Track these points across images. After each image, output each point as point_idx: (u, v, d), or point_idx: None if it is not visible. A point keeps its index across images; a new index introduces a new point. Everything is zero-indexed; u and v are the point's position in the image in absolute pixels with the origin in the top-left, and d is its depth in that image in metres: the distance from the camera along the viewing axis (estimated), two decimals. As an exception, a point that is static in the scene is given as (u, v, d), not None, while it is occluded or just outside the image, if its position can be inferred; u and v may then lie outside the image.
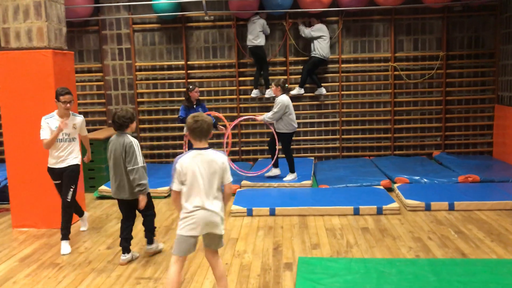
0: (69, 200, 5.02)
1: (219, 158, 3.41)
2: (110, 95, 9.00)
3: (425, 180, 7.06)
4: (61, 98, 4.92)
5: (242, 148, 9.04)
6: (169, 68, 8.98)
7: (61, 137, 5.00)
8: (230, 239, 5.21)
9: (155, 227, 4.82)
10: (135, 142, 4.38)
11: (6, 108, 5.63)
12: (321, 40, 8.37)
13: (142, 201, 4.43)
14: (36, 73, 5.51)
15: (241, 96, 8.94)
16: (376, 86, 8.91)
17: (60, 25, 5.85)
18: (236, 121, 7.76)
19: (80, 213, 5.59)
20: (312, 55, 8.46)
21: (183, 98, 7.45)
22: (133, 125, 4.47)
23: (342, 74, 8.86)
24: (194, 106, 7.22)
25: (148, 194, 4.55)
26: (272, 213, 5.97)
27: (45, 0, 5.49)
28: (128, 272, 4.41)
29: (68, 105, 4.94)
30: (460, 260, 4.42)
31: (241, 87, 8.93)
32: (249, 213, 5.99)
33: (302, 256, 4.60)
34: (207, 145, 3.44)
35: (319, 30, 8.36)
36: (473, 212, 5.87)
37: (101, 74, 9.01)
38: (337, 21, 8.75)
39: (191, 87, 7.17)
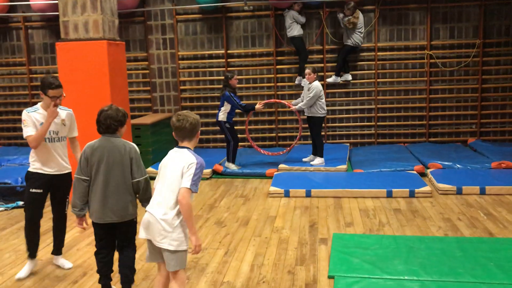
0: (66, 213, 4.26)
1: (187, 160, 2.99)
2: (154, 82, 9.51)
3: (458, 165, 7.24)
4: (50, 92, 3.96)
5: (279, 134, 9.40)
6: (210, 57, 9.41)
7: (48, 136, 4.03)
8: (269, 217, 5.60)
9: (135, 270, 3.63)
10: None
11: (66, 95, 6.15)
12: (357, 31, 8.60)
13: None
14: (92, 62, 6.01)
15: (278, 84, 9.29)
16: (412, 74, 9.07)
17: (113, 17, 6.33)
18: (268, 101, 8.31)
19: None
20: (346, 43, 8.70)
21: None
22: (123, 128, 3.47)
23: (378, 62, 9.06)
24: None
25: (134, 220, 3.55)
26: (308, 194, 6.32)
27: (100, -5, 5.97)
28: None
29: (58, 100, 4.04)
30: (487, 238, 4.66)
31: (278, 75, 9.27)
32: (286, 194, 6.36)
33: (336, 233, 4.94)
34: (188, 146, 3.09)
35: (360, 23, 8.57)
36: (504, 196, 6.05)
37: (146, 63, 9.52)
38: (374, 9, 8.93)
39: (229, 75, 7.51)
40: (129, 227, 3.52)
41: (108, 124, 3.37)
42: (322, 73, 9.00)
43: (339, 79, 8.97)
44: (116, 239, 3.54)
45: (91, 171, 3.37)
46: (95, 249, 3.63)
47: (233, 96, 7.34)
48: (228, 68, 9.30)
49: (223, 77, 7.86)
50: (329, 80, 8.92)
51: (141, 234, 3.11)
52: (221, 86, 7.77)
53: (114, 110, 3.42)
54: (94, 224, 3.48)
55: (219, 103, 7.60)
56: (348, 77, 9.00)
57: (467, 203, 5.84)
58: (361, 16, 8.61)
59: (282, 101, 8.31)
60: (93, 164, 3.35)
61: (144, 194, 3.40)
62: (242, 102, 7.63)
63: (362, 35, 8.66)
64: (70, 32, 6.09)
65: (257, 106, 7.53)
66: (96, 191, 3.37)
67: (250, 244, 4.77)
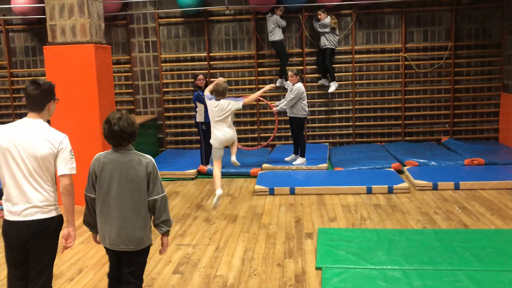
0: None
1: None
2: (137, 85, 9.62)
3: (433, 163, 7.59)
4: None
5: (261, 135, 9.61)
6: (192, 59, 9.57)
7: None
8: (255, 214, 5.81)
9: None
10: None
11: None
12: (331, 33, 8.90)
13: (167, 245, 3.15)
14: (79, 65, 6.11)
15: (259, 86, 9.49)
16: (388, 76, 9.42)
17: (100, 21, 6.45)
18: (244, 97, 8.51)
19: None
20: (327, 46, 8.98)
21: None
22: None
23: (355, 65, 9.38)
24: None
25: (148, 248, 3.10)
26: (292, 192, 6.55)
27: (87, -1, 6.09)
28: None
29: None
30: (462, 230, 4.98)
31: (259, 77, 9.50)
32: (271, 192, 6.58)
33: (321, 227, 5.19)
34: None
35: (325, 26, 8.87)
36: (477, 191, 6.40)
37: (129, 65, 9.62)
38: (351, 14, 9.24)
39: (194, 76, 7.66)
40: (143, 256, 3.06)
41: (129, 132, 2.93)
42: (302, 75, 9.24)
43: (337, 84, 9.15)
44: (124, 269, 3.03)
45: (103, 190, 2.95)
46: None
47: (201, 95, 7.48)
48: (211, 71, 9.48)
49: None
50: (330, 90, 9.07)
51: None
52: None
53: (128, 117, 2.97)
54: (107, 250, 3.08)
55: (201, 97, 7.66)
56: (326, 82, 9.28)
57: (442, 198, 6.17)
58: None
59: (264, 100, 8.52)
60: (103, 181, 2.94)
61: (159, 215, 3.01)
62: None
63: (338, 37, 8.97)
64: (57, 35, 6.18)
65: None
66: (108, 213, 2.95)
67: (239, 239, 4.97)
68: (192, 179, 7.65)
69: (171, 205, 6.32)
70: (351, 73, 9.39)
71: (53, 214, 2.91)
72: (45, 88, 2.93)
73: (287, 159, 8.01)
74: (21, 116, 9.85)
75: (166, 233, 3.11)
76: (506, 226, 5.08)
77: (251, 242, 4.90)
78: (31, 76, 9.87)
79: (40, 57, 9.72)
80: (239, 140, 9.37)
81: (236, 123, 9.50)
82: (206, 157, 7.80)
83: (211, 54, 9.50)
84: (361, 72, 9.43)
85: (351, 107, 9.49)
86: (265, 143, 8.63)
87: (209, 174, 7.73)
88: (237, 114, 9.45)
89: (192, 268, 4.34)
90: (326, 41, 8.95)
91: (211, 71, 9.49)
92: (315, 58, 9.36)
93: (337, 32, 8.97)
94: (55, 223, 2.92)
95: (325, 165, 7.72)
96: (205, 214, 5.87)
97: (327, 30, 8.84)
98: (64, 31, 6.16)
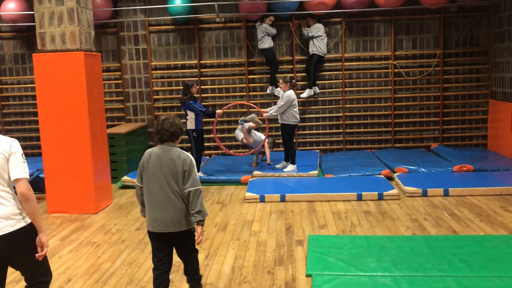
0: None
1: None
2: (127, 92, 9.59)
3: (423, 169, 7.63)
4: None
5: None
6: (183, 67, 9.58)
7: None
8: (246, 221, 5.80)
9: (201, 275, 3.73)
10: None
11: (42, 105, 6.21)
12: (319, 38, 8.97)
13: (202, 233, 3.38)
14: (69, 73, 6.09)
15: (250, 93, 9.53)
16: (377, 83, 9.48)
17: (89, 29, 6.44)
18: (231, 104, 8.61)
19: None
20: (313, 53, 9.04)
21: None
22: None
23: (345, 72, 9.44)
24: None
25: (192, 230, 3.45)
26: (283, 199, 6.55)
27: (77, 7, 6.08)
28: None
29: None
30: (452, 236, 5.01)
31: (250, 85, 9.52)
32: (262, 200, 6.58)
33: (311, 234, 5.19)
34: None
35: (317, 29, 8.96)
36: (466, 197, 6.44)
37: (119, 73, 9.60)
38: (340, 22, 9.32)
39: (191, 83, 7.62)
40: (187, 236, 3.42)
41: (172, 131, 3.36)
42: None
43: (312, 92, 9.24)
44: (176, 250, 3.51)
45: (146, 179, 3.36)
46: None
47: (191, 103, 7.51)
48: (201, 78, 9.48)
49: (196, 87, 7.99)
50: (303, 95, 9.17)
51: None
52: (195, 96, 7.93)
53: (174, 118, 3.43)
54: (150, 234, 3.42)
55: (200, 111, 7.65)
56: (316, 90, 9.33)
57: (432, 204, 6.20)
58: (321, 26, 8.98)
59: (256, 107, 8.52)
60: (149, 172, 3.34)
61: (193, 205, 3.29)
62: (204, 107, 7.77)
63: (325, 43, 9.04)
64: (46, 43, 6.16)
65: (218, 111, 7.72)
66: (152, 199, 3.34)
67: (229, 247, 4.96)
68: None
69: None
70: (341, 81, 9.45)
71: (21, 224, 2.78)
72: None
73: (278, 166, 8.02)
74: (9, 124, 9.83)
75: (200, 223, 3.34)
76: (495, 232, 5.12)
77: (242, 249, 4.89)
78: (20, 84, 9.82)
79: (29, 65, 9.68)
80: (230, 147, 9.42)
81: (227, 130, 9.57)
82: (197, 165, 7.75)
83: (201, 62, 9.52)
84: (351, 79, 9.49)
85: (341, 114, 9.54)
86: (255, 149, 8.62)
87: (200, 182, 7.71)
88: (228, 121, 9.53)
89: (182, 276, 4.28)
90: (314, 47, 9.01)
91: (201, 78, 9.50)
92: (305, 65, 9.41)
93: (326, 39, 9.02)
94: (26, 233, 2.80)
95: (315, 172, 7.74)
96: (196, 222, 5.83)
97: (316, 34, 8.91)
98: (54, 38, 6.14)
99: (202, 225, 3.36)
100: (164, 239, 3.40)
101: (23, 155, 2.88)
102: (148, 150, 3.44)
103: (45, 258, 2.93)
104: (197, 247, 3.51)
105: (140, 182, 3.42)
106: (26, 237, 2.80)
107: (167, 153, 3.35)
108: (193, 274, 3.57)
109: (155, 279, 3.46)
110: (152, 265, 3.51)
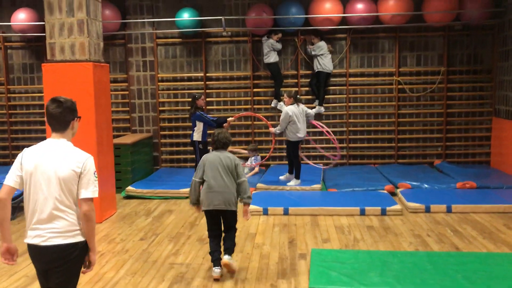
0: None
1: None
2: (134, 103, 9.68)
3: (426, 185, 7.66)
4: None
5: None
6: (189, 79, 9.68)
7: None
8: (249, 234, 5.83)
9: (235, 244, 4.68)
10: None
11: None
12: (323, 56, 9.06)
13: (247, 211, 4.58)
14: (77, 83, 6.17)
15: (255, 106, 9.61)
16: (381, 99, 9.55)
17: (98, 40, 6.54)
18: (245, 113, 8.98)
19: None
20: (319, 70, 9.12)
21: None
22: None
23: (350, 87, 9.51)
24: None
25: (236, 211, 4.56)
26: (286, 212, 6.58)
27: (87, 19, 6.19)
28: (163, 258, 5.04)
29: None
30: (454, 252, 5.02)
31: (255, 98, 9.60)
32: (265, 212, 6.61)
33: (314, 248, 5.21)
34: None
35: (319, 48, 9.05)
36: (469, 214, 6.46)
37: (126, 84, 9.70)
38: (345, 38, 9.42)
39: (197, 95, 7.70)
40: (233, 215, 4.58)
41: (225, 141, 4.61)
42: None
43: (322, 109, 9.33)
44: (223, 224, 4.62)
45: (209, 173, 4.48)
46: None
47: (203, 114, 7.58)
48: (207, 91, 9.58)
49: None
50: (314, 110, 9.19)
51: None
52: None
53: (226, 132, 4.68)
54: (208, 212, 4.55)
55: (210, 121, 7.68)
56: (322, 110, 9.40)
57: (435, 220, 6.22)
58: (324, 44, 9.08)
59: (264, 119, 8.53)
60: (210, 168, 4.49)
61: (243, 192, 4.51)
62: (212, 117, 7.86)
63: (330, 60, 9.13)
64: (56, 53, 6.26)
65: (229, 119, 7.77)
66: (214, 186, 4.44)
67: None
68: (186, 197, 7.65)
69: (164, 223, 6.33)
70: (345, 96, 9.52)
71: (77, 239, 2.78)
72: (68, 106, 2.80)
73: (281, 177, 8.05)
74: (16, 132, 9.92)
75: (247, 204, 4.58)
76: (498, 249, 5.13)
77: (245, 262, 4.91)
78: (27, 93, 9.93)
79: (38, 74, 9.79)
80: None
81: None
82: None
83: (207, 74, 9.61)
84: (355, 94, 9.56)
85: (345, 129, 9.59)
86: (259, 162, 8.67)
87: (204, 193, 7.76)
88: (232, 134, 9.54)
89: (185, 287, 4.34)
90: (318, 65, 9.10)
91: (207, 91, 9.59)
92: (309, 80, 9.49)
93: (329, 57, 9.12)
94: (79, 249, 2.79)
95: (319, 186, 7.77)
96: (199, 234, 5.87)
97: (319, 53, 9.00)
98: (63, 49, 6.24)
99: (248, 206, 4.60)
100: (218, 215, 4.56)
101: (95, 173, 2.85)
102: (205, 155, 4.63)
103: (76, 281, 2.90)
104: (247, 219, 4.72)
105: (200, 178, 4.52)
106: (74, 252, 2.78)
107: (222, 155, 4.55)
108: (231, 239, 4.62)
109: (211, 246, 4.58)
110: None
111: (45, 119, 2.82)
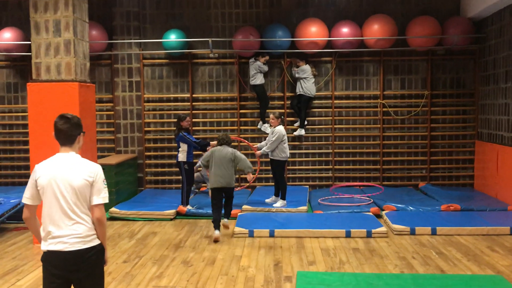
0: None
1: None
2: (119, 124, 9.63)
3: (411, 208, 7.69)
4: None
5: (242, 176, 9.64)
6: (175, 100, 9.68)
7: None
8: (234, 256, 5.77)
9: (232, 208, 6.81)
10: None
11: (34, 134, 6.22)
12: (306, 80, 9.16)
13: (251, 176, 6.99)
14: (63, 103, 6.12)
15: (241, 127, 9.63)
16: (366, 121, 9.65)
17: (85, 60, 6.53)
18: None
19: None
20: (301, 93, 9.21)
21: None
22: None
23: (335, 110, 9.60)
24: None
25: (233, 189, 6.71)
26: (272, 234, 6.54)
27: (74, 39, 6.18)
28: (146, 281, 4.95)
29: None
30: (439, 275, 5.02)
31: (241, 119, 9.63)
32: (251, 234, 6.56)
33: (300, 271, 5.17)
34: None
35: (303, 71, 9.16)
36: (453, 236, 6.48)
37: (111, 104, 9.67)
38: (331, 61, 9.54)
39: (182, 116, 7.72)
40: (232, 191, 6.69)
41: (227, 140, 6.69)
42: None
43: (303, 131, 9.41)
44: (224, 196, 6.63)
45: (213, 162, 6.51)
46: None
47: (186, 135, 7.58)
48: (193, 111, 9.58)
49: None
50: (296, 133, 9.38)
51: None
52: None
53: (228, 134, 6.90)
54: (214, 190, 6.53)
55: (193, 142, 7.71)
56: (302, 132, 9.47)
57: (420, 243, 6.23)
58: (308, 67, 9.21)
59: (247, 142, 8.59)
60: (215, 159, 6.51)
61: (246, 167, 6.75)
62: (197, 139, 7.86)
63: (313, 84, 9.24)
64: (42, 73, 6.22)
65: (212, 142, 7.79)
66: (218, 171, 6.47)
67: (217, 282, 4.91)
68: (171, 219, 7.58)
69: (148, 245, 6.24)
70: (330, 118, 9.60)
71: (95, 243, 2.99)
72: (74, 122, 3.06)
73: (267, 200, 8.03)
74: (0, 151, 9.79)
75: (250, 172, 6.88)
76: (482, 271, 5.14)
77: (230, 285, 4.85)
78: (11, 112, 9.83)
79: (22, 94, 9.73)
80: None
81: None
82: (186, 198, 7.77)
83: (194, 95, 9.64)
84: (341, 117, 9.65)
85: (330, 150, 9.65)
86: (246, 184, 8.64)
87: (189, 215, 7.70)
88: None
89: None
90: (300, 88, 9.19)
91: (193, 111, 9.60)
92: (290, 102, 9.55)
93: (313, 80, 9.23)
94: (99, 252, 3.00)
95: (304, 207, 7.76)
96: (183, 256, 5.80)
97: (303, 76, 9.10)
98: (49, 69, 6.21)
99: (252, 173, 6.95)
100: (221, 192, 6.54)
101: (104, 180, 3.05)
102: (211, 149, 6.71)
103: (103, 282, 3.11)
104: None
105: (205, 162, 6.62)
106: (95, 255, 2.99)
107: (225, 149, 6.59)
108: (230, 206, 6.73)
109: (214, 215, 6.50)
110: None
111: (54, 134, 3.07)
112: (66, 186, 2.93)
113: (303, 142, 9.66)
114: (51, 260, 2.93)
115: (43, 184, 2.95)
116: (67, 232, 2.91)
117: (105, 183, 3.05)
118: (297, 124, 9.51)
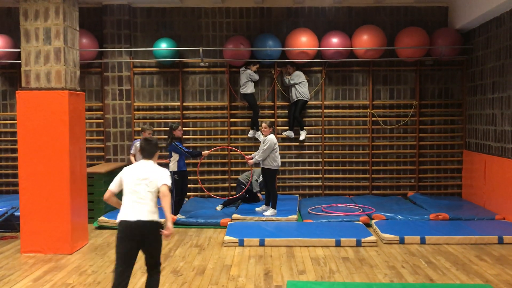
0: None
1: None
2: (109, 132, 9.58)
3: (400, 217, 7.74)
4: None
5: (231, 185, 9.64)
6: (166, 108, 9.67)
7: None
8: (224, 265, 5.75)
9: None
10: None
11: (23, 142, 6.17)
12: (301, 84, 9.24)
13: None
14: (52, 111, 6.10)
15: (231, 136, 9.64)
16: (356, 131, 9.71)
17: (75, 69, 6.51)
18: (221, 146, 9.12)
19: None
20: (299, 98, 9.27)
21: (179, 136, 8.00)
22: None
23: (325, 119, 9.66)
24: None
25: None
26: (262, 243, 6.53)
27: (64, 47, 6.17)
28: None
29: None
30: (428, 284, 5.05)
31: (232, 128, 9.64)
32: (241, 244, 6.54)
33: (290, 280, 5.16)
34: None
35: (298, 76, 9.24)
36: (442, 245, 6.53)
37: (101, 112, 9.63)
38: (321, 71, 9.62)
39: (174, 125, 7.76)
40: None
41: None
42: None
43: (292, 134, 9.48)
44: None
45: None
46: None
47: (178, 145, 7.60)
48: (184, 120, 9.58)
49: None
50: (301, 138, 9.47)
51: None
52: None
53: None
54: None
55: (184, 152, 7.72)
56: (291, 134, 9.52)
57: (409, 252, 6.26)
58: (301, 73, 9.31)
59: (238, 151, 8.58)
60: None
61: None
62: (188, 148, 7.89)
63: (307, 88, 9.31)
64: (31, 81, 6.19)
65: (204, 152, 7.82)
66: None
67: (207, 292, 4.89)
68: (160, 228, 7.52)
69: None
70: (320, 127, 9.65)
71: (157, 218, 4.10)
72: (154, 144, 4.38)
73: (258, 209, 8.03)
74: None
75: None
76: (471, 281, 5.18)
77: (220, 294, 4.83)
78: (-1, 120, 9.76)
79: (10, 101, 9.66)
80: (210, 189, 9.40)
81: (207, 172, 9.60)
82: (176, 207, 7.74)
83: (184, 104, 9.63)
84: (330, 126, 9.70)
85: (320, 159, 9.68)
86: (239, 193, 8.57)
87: (179, 224, 7.66)
88: (208, 164, 9.58)
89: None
90: (297, 93, 9.25)
91: (184, 120, 9.59)
92: (286, 111, 9.62)
93: (307, 85, 9.31)
94: (159, 224, 4.09)
95: (294, 216, 7.76)
96: (173, 265, 5.76)
97: (298, 81, 9.17)
98: (39, 76, 6.18)
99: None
100: None
101: (170, 176, 4.26)
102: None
103: (160, 250, 4.21)
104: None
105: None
106: (157, 227, 4.08)
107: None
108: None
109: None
110: None
111: (139, 151, 4.72)
112: (145, 179, 4.11)
113: (293, 151, 9.69)
114: (128, 227, 4.02)
115: (128, 177, 4.16)
116: (144, 207, 4.03)
117: (170, 177, 4.25)
118: (285, 133, 9.52)
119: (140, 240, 4.02)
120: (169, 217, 4.02)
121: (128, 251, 4.02)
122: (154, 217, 4.05)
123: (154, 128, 9.62)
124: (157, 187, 4.10)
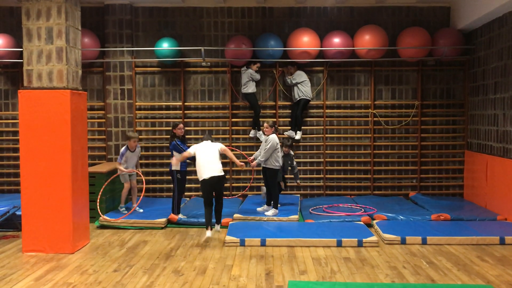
0: None
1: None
2: (110, 131, 9.59)
3: (401, 217, 7.73)
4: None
5: (233, 184, 9.64)
6: (167, 108, 9.68)
7: None
8: (225, 265, 5.75)
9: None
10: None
11: (24, 141, 6.17)
12: (304, 84, 9.23)
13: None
14: (54, 110, 6.11)
15: (233, 136, 9.64)
16: (357, 131, 9.70)
17: (77, 68, 6.51)
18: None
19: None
20: (302, 97, 9.27)
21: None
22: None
23: (326, 119, 9.65)
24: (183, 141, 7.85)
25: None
26: (263, 243, 6.53)
27: (66, 46, 6.17)
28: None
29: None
30: (430, 284, 5.05)
31: (233, 127, 9.64)
32: (242, 243, 6.54)
33: (291, 280, 5.16)
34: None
35: (300, 75, 9.24)
36: (443, 246, 6.52)
37: (103, 112, 9.63)
38: (323, 71, 9.61)
39: (174, 124, 7.79)
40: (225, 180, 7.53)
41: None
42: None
43: (293, 134, 9.47)
44: (216, 190, 6.89)
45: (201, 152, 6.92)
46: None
47: (179, 144, 7.61)
48: (185, 120, 9.58)
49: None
50: (297, 137, 9.43)
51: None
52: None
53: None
54: (206, 180, 6.76)
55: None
56: (293, 134, 9.51)
57: (410, 252, 6.26)
58: (303, 72, 9.31)
59: (239, 151, 8.58)
60: (202, 149, 6.92)
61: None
62: (188, 147, 7.85)
63: (310, 87, 9.31)
64: (33, 80, 6.19)
65: None
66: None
67: (208, 292, 4.89)
68: (162, 228, 7.54)
69: (138, 254, 6.20)
70: (322, 127, 9.64)
71: (223, 173, 6.64)
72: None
73: (259, 209, 8.03)
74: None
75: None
76: (472, 281, 5.18)
77: (221, 294, 4.83)
78: (1, 119, 9.76)
79: (12, 101, 9.67)
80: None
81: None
82: (177, 206, 7.75)
83: (186, 104, 9.64)
84: (332, 126, 9.70)
85: (322, 159, 9.68)
86: (240, 193, 8.58)
87: (180, 224, 7.67)
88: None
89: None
90: (300, 93, 9.25)
91: (185, 120, 9.60)
92: (288, 110, 9.61)
93: (309, 84, 9.31)
94: (224, 178, 6.56)
95: (296, 216, 7.76)
96: (174, 265, 5.77)
97: (300, 80, 9.16)
98: (41, 76, 6.19)
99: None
100: (213, 186, 6.77)
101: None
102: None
103: (223, 188, 6.91)
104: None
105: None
106: (223, 179, 6.65)
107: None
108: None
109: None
110: None
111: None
112: (212, 150, 6.74)
113: (294, 151, 9.67)
114: (207, 182, 6.55)
115: (199, 149, 6.76)
116: (214, 168, 6.61)
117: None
118: (286, 133, 9.51)
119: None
120: (235, 160, 6.96)
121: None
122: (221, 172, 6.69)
123: (156, 128, 9.65)
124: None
